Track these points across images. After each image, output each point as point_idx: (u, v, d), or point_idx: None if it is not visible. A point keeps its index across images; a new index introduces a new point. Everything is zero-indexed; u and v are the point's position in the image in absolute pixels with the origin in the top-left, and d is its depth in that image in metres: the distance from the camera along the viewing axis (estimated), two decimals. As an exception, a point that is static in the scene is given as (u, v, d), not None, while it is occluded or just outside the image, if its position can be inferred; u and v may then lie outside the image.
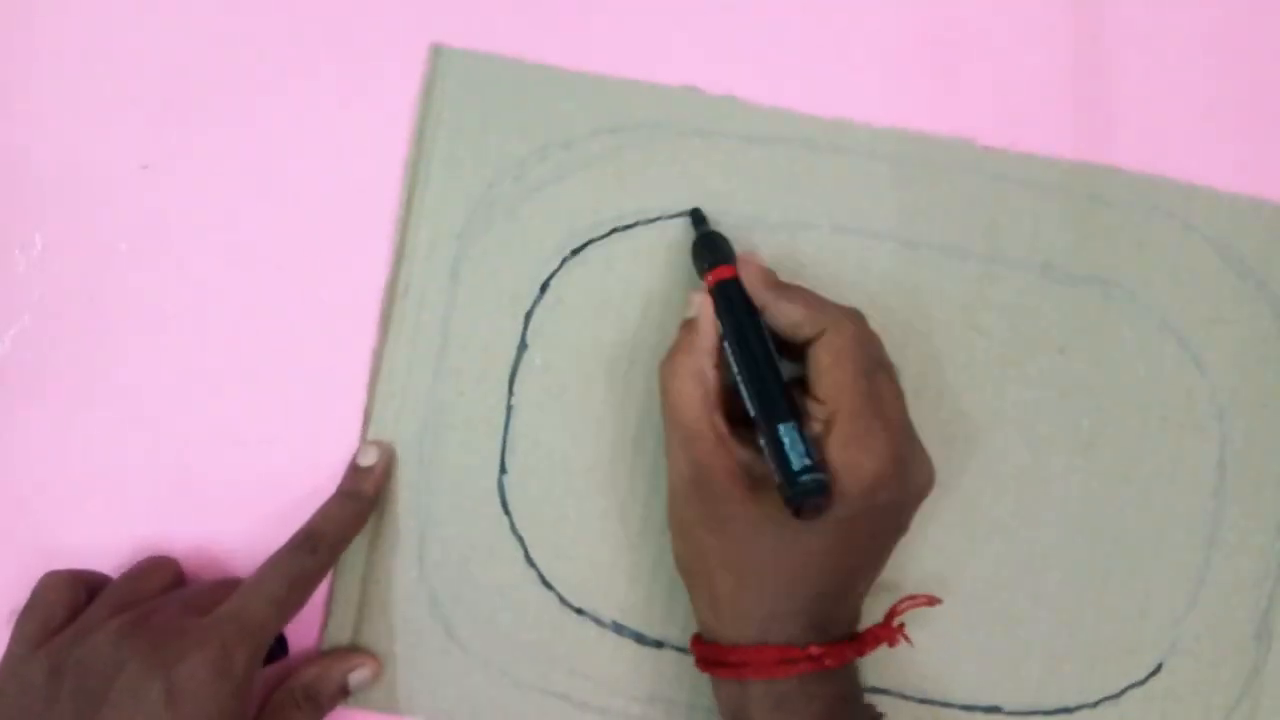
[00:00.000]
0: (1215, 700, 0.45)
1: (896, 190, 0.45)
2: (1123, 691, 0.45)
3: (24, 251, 0.44)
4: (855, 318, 0.40)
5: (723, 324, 0.40)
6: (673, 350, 0.41)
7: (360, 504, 0.43)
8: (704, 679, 0.41)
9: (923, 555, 0.45)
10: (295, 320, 0.45)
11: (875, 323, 0.41)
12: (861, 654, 0.40)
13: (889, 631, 0.41)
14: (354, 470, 0.44)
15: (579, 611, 0.45)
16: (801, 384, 0.40)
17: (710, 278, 0.41)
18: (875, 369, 0.39)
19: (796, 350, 0.41)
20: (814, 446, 0.38)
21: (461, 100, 0.45)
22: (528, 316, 0.45)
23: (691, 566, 0.40)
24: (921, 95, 0.45)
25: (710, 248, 0.42)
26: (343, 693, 0.43)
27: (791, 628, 0.38)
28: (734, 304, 0.40)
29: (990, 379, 0.45)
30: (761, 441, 0.39)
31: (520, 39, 0.45)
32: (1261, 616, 0.45)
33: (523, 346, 0.45)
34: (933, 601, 0.43)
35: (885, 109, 0.45)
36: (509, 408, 0.45)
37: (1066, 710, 0.45)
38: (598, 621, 0.45)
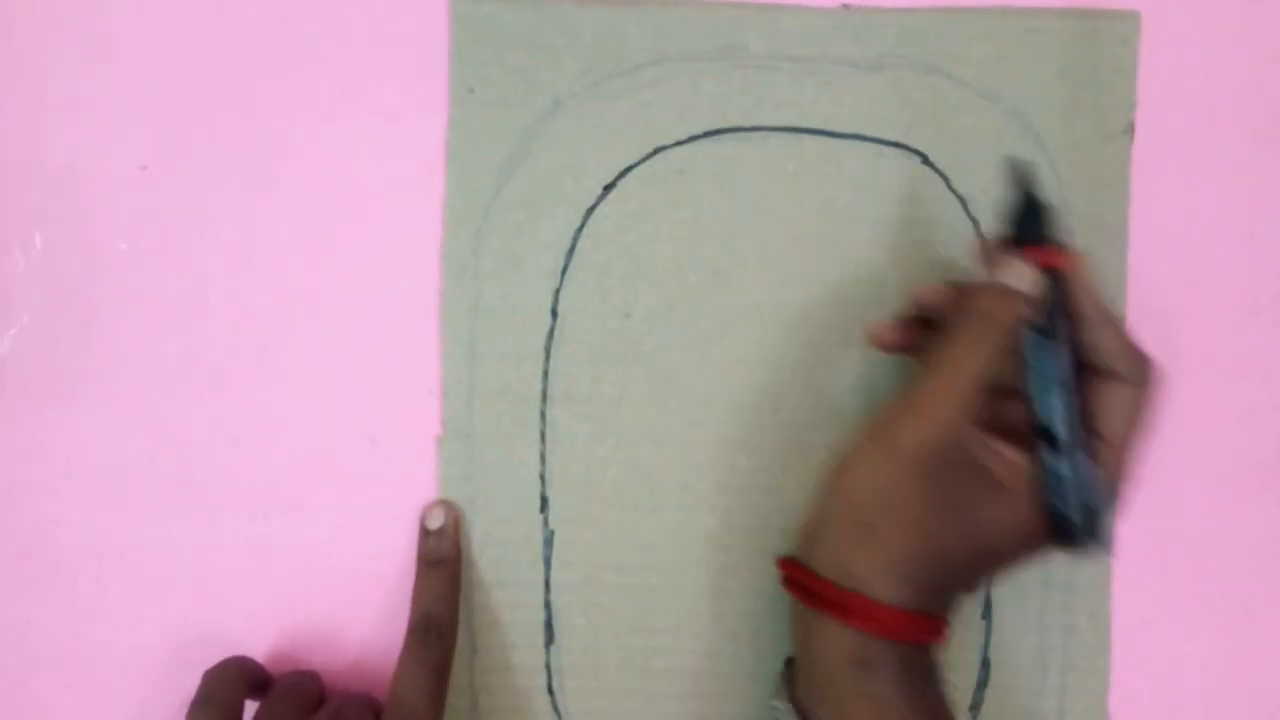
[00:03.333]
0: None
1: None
2: None
3: (24, 251, 0.44)
4: (1160, 372, 0.39)
5: (1046, 315, 0.37)
6: (978, 315, 0.38)
7: (449, 569, 0.43)
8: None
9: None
10: (295, 320, 0.45)
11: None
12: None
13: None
14: (425, 535, 0.44)
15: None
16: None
17: (1042, 258, 0.38)
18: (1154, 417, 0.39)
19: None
20: (1098, 484, 0.37)
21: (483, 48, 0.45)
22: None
23: (874, 520, 0.37)
24: None
25: (1041, 218, 0.38)
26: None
27: (934, 601, 0.38)
28: (1059, 299, 0.37)
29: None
30: (1048, 460, 0.37)
31: None
32: None
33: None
34: None
35: None
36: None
37: None
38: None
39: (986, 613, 0.45)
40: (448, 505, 0.44)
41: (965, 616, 0.45)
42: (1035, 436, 0.37)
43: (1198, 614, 0.45)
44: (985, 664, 0.45)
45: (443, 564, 0.43)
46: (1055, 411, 0.37)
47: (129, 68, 0.44)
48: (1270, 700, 0.45)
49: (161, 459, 0.44)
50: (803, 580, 0.39)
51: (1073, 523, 0.37)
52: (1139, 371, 0.38)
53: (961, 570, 0.38)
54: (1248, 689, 0.45)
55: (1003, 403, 0.38)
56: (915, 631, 0.37)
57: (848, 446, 0.39)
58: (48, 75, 0.44)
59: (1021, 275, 0.38)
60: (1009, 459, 0.38)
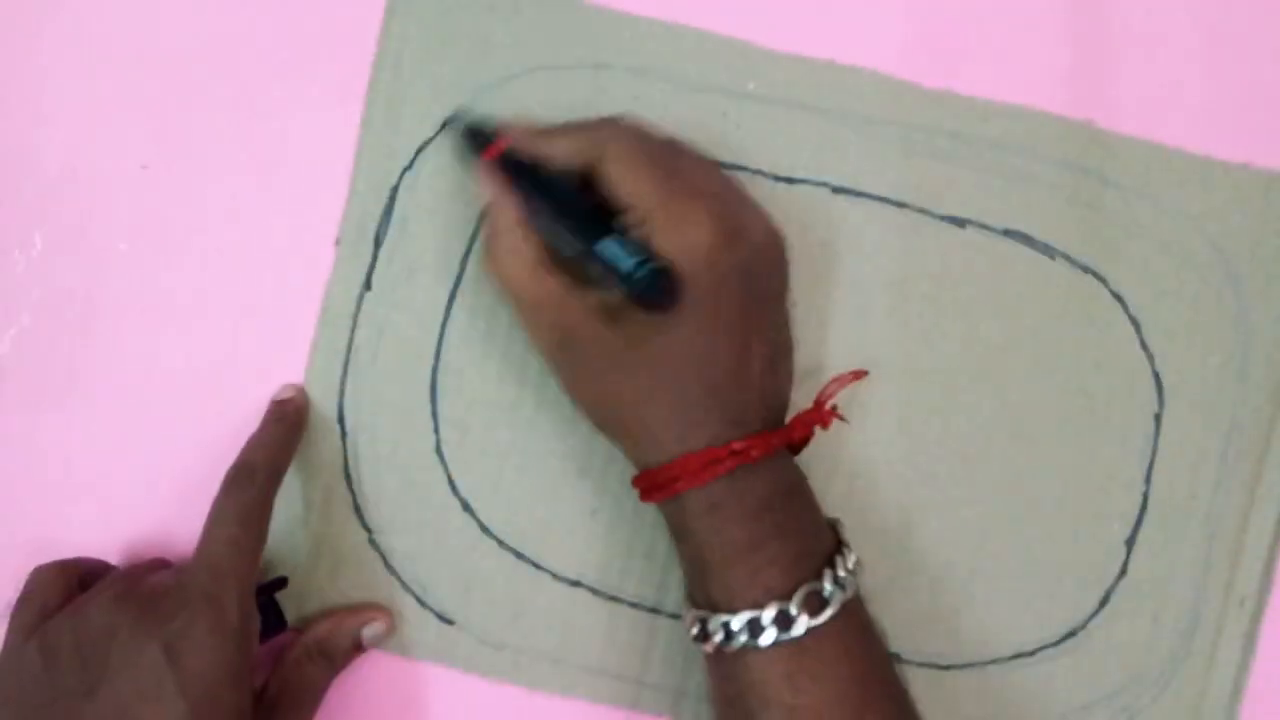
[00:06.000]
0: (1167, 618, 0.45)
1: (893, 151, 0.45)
2: (1086, 623, 0.45)
3: (24, 251, 0.44)
4: (625, 121, 0.41)
5: (518, 193, 0.40)
6: (484, 241, 0.41)
7: (283, 427, 0.43)
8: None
9: (876, 508, 0.45)
10: (295, 319, 0.45)
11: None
12: (791, 440, 0.41)
13: (819, 415, 0.42)
14: (273, 403, 0.44)
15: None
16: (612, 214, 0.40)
17: (485, 158, 0.41)
18: (668, 154, 0.40)
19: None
20: (642, 248, 0.38)
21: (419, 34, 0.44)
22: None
23: (604, 420, 0.41)
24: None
25: (474, 134, 0.42)
26: (357, 648, 0.44)
27: (709, 430, 0.39)
28: (520, 171, 0.40)
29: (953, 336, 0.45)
30: (595, 270, 0.39)
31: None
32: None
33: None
34: (859, 376, 0.43)
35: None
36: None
37: (1024, 654, 0.45)
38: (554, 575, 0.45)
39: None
40: (295, 386, 0.45)
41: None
42: (587, 258, 0.39)
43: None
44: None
45: (280, 420, 0.44)
46: (560, 241, 0.40)
47: (129, 68, 0.44)
48: None
49: (161, 459, 0.45)
50: (641, 482, 0.40)
51: (631, 285, 0.38)
52: (601, 139, 0.40)
53: (690, 388, 0.39)
54: None
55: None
56: (699, 470, 0.38)
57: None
58: (48, 75, 0.44)
59: (479, 180, 0.41)
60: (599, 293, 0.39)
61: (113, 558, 0.44)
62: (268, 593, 0.43)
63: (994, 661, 0.45)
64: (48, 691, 0.38)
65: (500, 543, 0.45)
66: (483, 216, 0.43)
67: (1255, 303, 0.45)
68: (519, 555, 0.45)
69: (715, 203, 0.39)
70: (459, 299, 0.45)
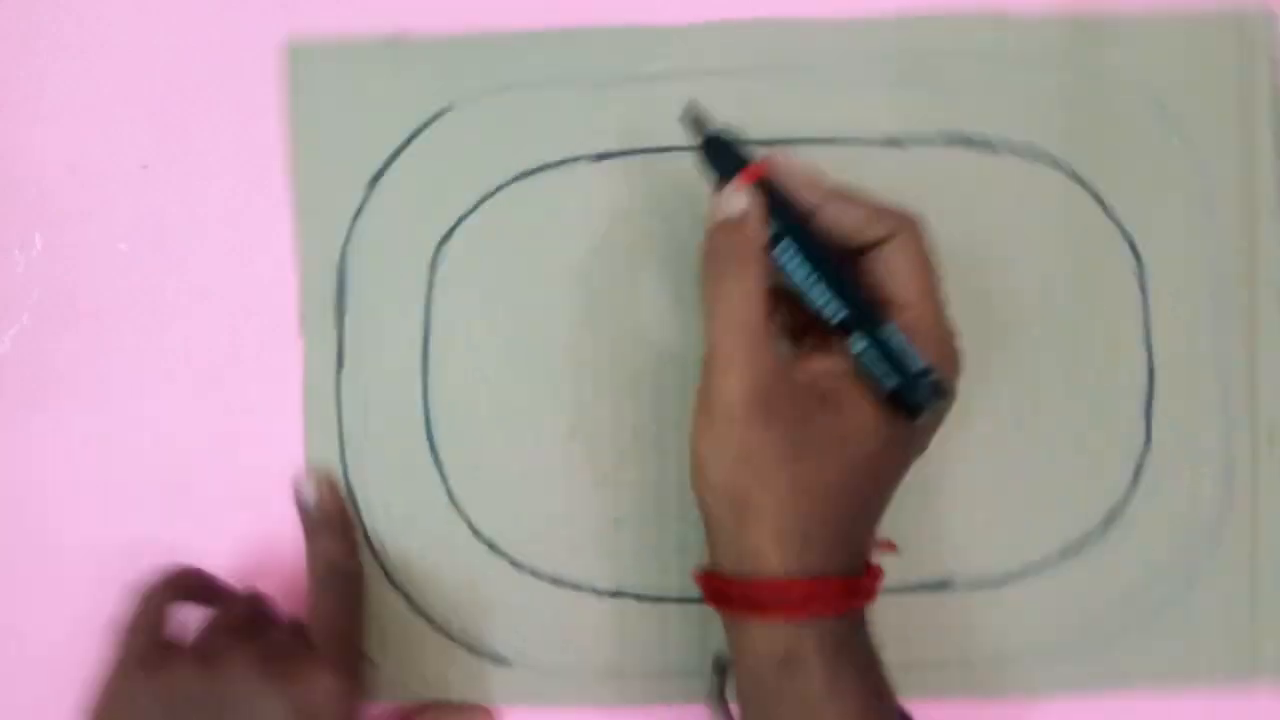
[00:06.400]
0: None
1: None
2: (1125, 501, 0.44)
3: (24, 251, 0.44)
4: (919, 218, 0.38)
5: (775, 224, 0.37)
6: (716, 257, 0.37)
7: (336, 526, 0.43)
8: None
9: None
10: (295, 319, 0.44)
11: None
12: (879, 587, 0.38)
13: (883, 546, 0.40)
14: (304, 508, 0.43)
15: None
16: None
17: (745, 178, 0.37)
18: (937, 271, 0.38)
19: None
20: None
21: (326, 93, 0.44)
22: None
23: (745, 495, 0.35)
24: None
25: (728, 147, 0.38)
26: None
27: (847, 557, 0.36)
28: (780, 205, 0.37)
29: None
30: (859, 346, 0.36)
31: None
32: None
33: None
34: (890, 547, 0.41)
35: None
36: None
37: (1071, 549, 0.44)
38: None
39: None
40: (315, 474, 0.43)
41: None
42: (834, 334, 0.37)
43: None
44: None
45: (331, 523, 0.43)
46: (827, 299, 0.36)
47: (129, 66, 0.45)
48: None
49: (161, 459, 0.44)
50: (713, 585, 0.37)
51: (909, 388, 0.35)
52: (891, 225, 0.37)
53: (847, 506, 0.36)
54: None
55: (805, 319, 0.38)
56: (833, 599, 0.35)
57: (690, 430, 0.37)
58: (48, 75, 0.45)
59: (730, 201, 0.37)
60: (823, 368, 0.37)
61: (113, 558, 0.43)
62: None
63: (1043, 563, 0.44)
64: None
65: (535, 573, 0.44)
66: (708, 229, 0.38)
67: (1208, 146, 0.44)
68: (556, 581, 0.44)
69: (957, 346, 0.38)
70: (433, 354, 0.44)
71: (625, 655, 0.44)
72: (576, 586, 0.44)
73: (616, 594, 0.44)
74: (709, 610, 0.38)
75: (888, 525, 0.38)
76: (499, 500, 0.44)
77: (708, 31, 0.44)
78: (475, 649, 0.44)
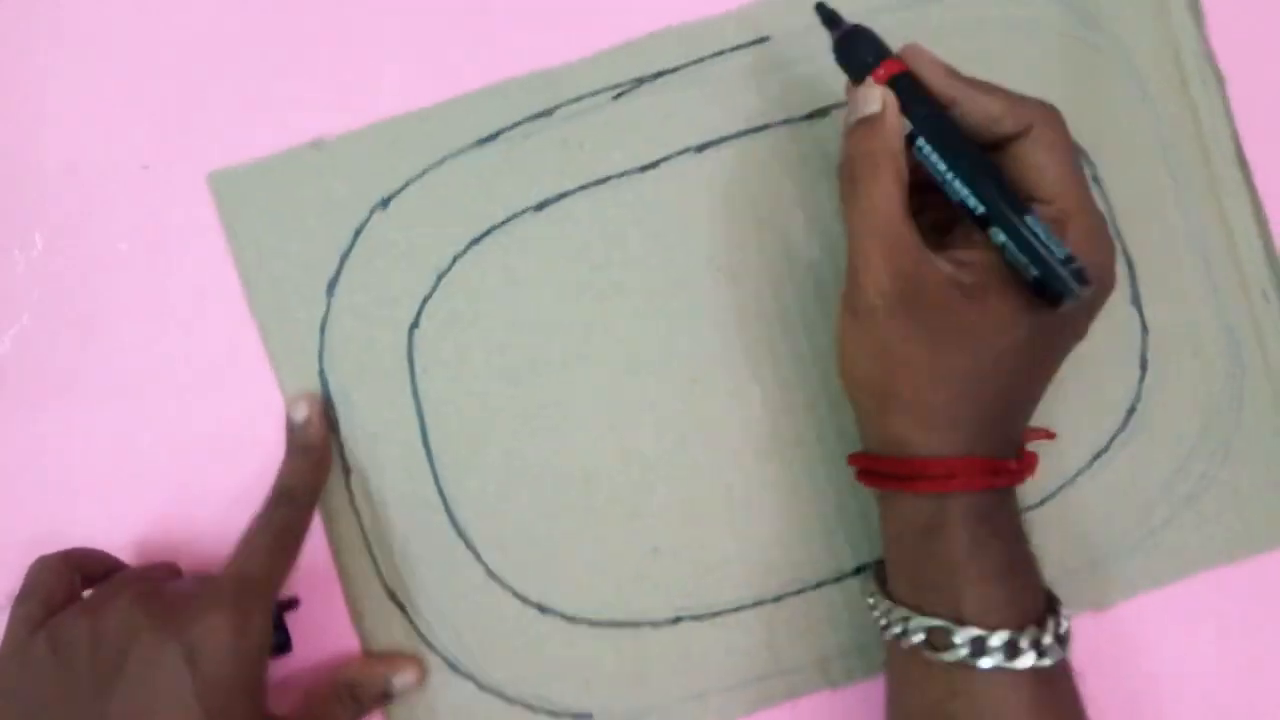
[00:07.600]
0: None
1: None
2: (1138, 392, 0.45)
3: (24, 251, 0.44)
4: (1056, 110, 0.38)
5: (912, 120, 0.37)
6: (854, 158, 0.37)
7: (313, 454, 0.43)
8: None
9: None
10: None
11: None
12: (1033, 472, 0.39)
13: (1038, 434, 0.41)
14: (292, 427, 0.43)
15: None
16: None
17: (882, 72, 0.37)
18: (1080, 161, 0.38)
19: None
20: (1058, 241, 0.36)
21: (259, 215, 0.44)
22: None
23: (887, 386, 0.37)
24: None
25: (865, 42, 0.38)
26: (385, 696, 0.43)
27: (995, 440, 0.37)
28: (919, 99, 0.37)
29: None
30: (1000, 238, 0.36)
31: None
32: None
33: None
34: (1049, 434, 0.42)
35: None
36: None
37: (1102, 451, 0.45)
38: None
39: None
40: (308, 396, 0.44)
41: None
42: (977, 226, 0.37)
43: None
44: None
45: (308, 450, 0.43)
46: (967, 192, 0.37)
47: (129, 66, 0.45)
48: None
49: (161, 458, 0.44)
50: (866, 465, 0.39)
51: (1055, 277, 0.35)
52: (1030, 117, 0.37)
53: (994, 393, 0.37)
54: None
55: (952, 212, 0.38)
56: (975, 476, 0.37)
57: (835, 328, 0.39)
58: (48, 75, 0.44)
59: (868, 99, 0.37)
60: (965, 260, 0.37)
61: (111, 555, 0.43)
62: (279, 611, 0.43)
63: (1077, 474, 0.45)
64: (58, 687, 0.37)
65: (591, 624, 0.44)
66: (847, 133, 0.38)
67: (1130, 36, 0.45)
68: (615, 624, 0.44)
69: (1109, 232, 0.38)
70: (433, 440, 0.44)
71: (699, 674, 0.44)
72: (636, 624, 0.44)
73: (676, 620, 0.44)
74: (764, 609, 0.42)
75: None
76: (534, 565, 0.44)
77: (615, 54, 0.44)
78: (556, 713, 0.44)
